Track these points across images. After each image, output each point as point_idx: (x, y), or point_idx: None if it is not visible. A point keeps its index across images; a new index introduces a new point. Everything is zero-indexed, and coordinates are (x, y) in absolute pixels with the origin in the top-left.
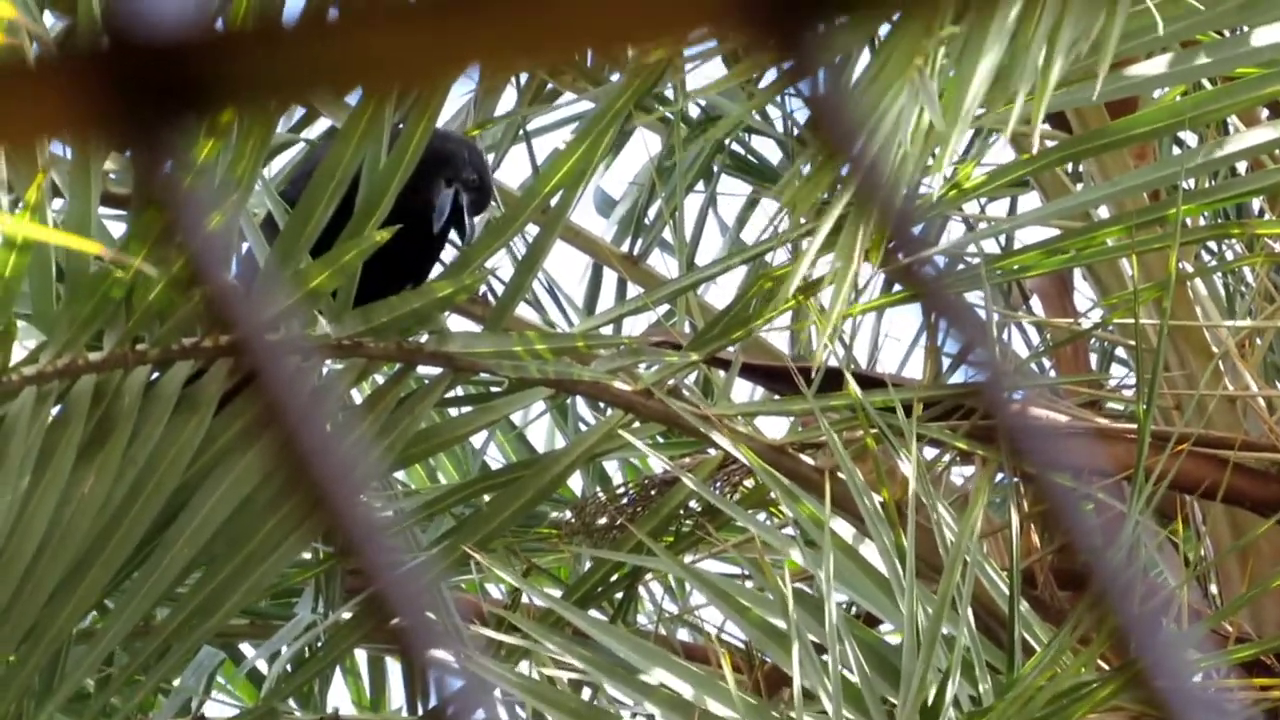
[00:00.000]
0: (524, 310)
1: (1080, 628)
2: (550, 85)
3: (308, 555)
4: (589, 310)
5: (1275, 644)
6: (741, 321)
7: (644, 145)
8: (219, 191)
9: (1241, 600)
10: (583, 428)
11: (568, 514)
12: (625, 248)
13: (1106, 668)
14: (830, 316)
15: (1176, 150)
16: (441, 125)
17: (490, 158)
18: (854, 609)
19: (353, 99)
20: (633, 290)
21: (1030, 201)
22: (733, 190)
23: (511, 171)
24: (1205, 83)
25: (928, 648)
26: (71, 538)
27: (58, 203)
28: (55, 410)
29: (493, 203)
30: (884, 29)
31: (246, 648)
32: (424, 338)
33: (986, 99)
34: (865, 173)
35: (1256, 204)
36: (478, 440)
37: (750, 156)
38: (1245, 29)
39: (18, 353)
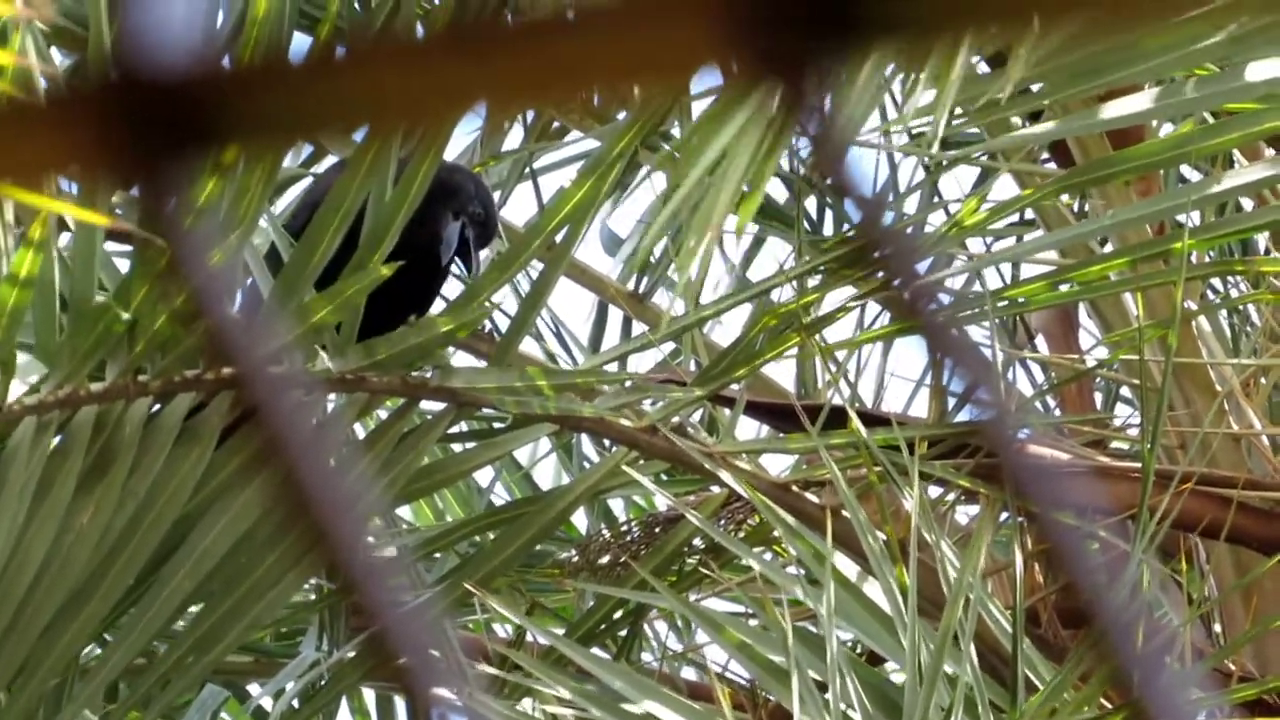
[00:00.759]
0: (530, 347)
1: (1083, 666)
2: (557, 124)
3: (313, 595)
4: (594, 348)
5: (1278, 683)
6: (746, 358)
7: (650, 184)
8: (224, 226)
9: (1244, 639)
10: (587, 466)
11: (572, 552)
12: (631, 285)
13: (1109, 706)
14: (833, 345)
15: (1180, 185)
16: (448, 159)
17: (496, 195)
18: (859, 649)
19: (359, 135)
20: (638, 328)
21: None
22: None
23: (517, 209)
24: (1207, 117)
25: (929, 685)
26: (70, 568)
27: (64, 238)
28: (56, 440)
29: (497, 238)
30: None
31: (253, 687)
32: (428, 373)
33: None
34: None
35: (1261, 241)
36: (484, 479)
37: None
38: (1246, 62)
39: (20, 385)
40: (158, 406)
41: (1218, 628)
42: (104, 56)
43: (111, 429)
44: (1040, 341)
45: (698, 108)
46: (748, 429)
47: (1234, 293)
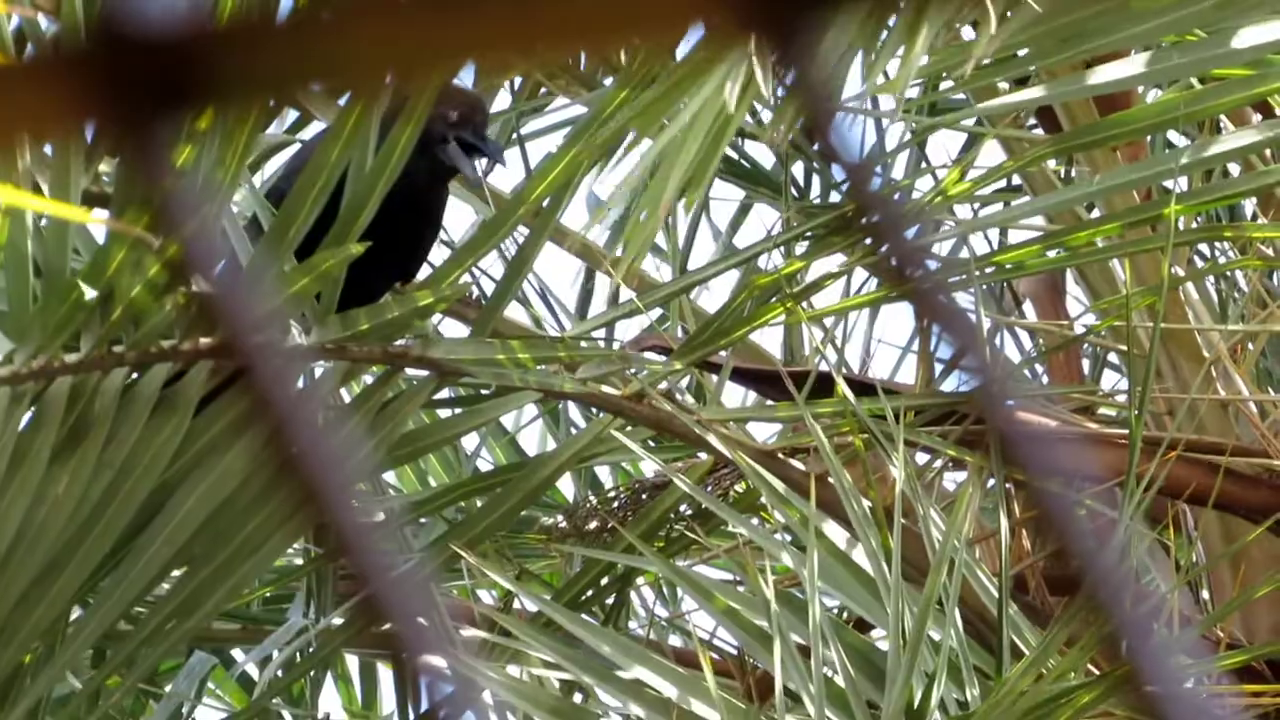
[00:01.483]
0: (517, 312)
1: (1069, 631)
2: (544, 90)
3: (299, 560)
4: (581, 314)
5: (1266, 650)
6: (733, 326)
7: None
8: (205, 191)
9: (1232, 606)
10: (574, 432)
11: (559, 518)
12: (618, 252)
13: (1096, 672)
14: (819, 310)
15: (1167, 151)
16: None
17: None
18: (845, 615)
19: (343, 97)
20: (625, 294)
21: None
22: (726, 195)
23: (504, 174)
24: (1195, 82)
25: (913, 650)
26: (44, 539)
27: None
28: (30, 412)
29: (490, 123)
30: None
31: (238, 653)
32: (410, 341)
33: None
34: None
35: (1249, 207)
36: (470, 445)
37: (743, 160)
38: (1231, 29)
39: None
40: (135, 376)
41: (1205, 595)
42: (80, 15)
43: (87, 400)
44: (1028, 307)
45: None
46: (734, 395)
47: (1221, 258)
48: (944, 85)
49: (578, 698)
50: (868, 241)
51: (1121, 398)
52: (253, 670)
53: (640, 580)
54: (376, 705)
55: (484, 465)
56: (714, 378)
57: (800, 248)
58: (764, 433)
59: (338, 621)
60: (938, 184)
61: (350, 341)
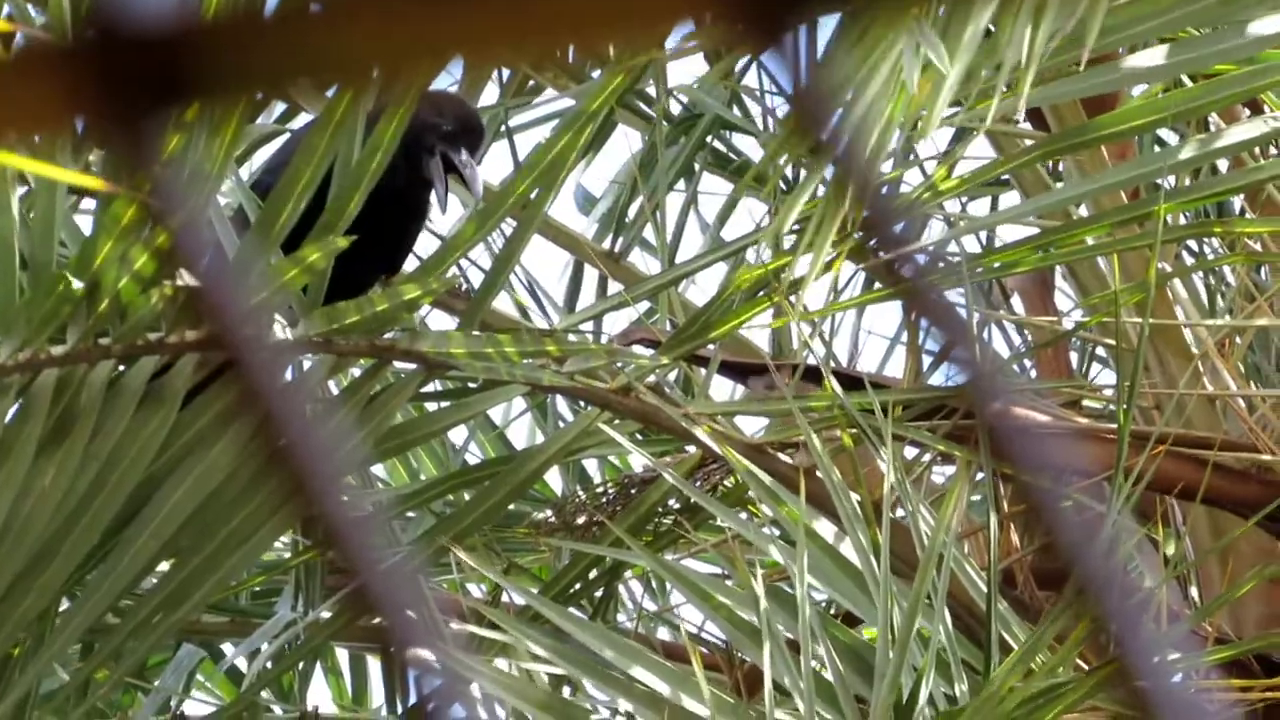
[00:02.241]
0: (505, 304)
1: (1058, 626)
2: (532, 82)
3: (288, 553)
4: (570, 308)
5: (1255, 645)
6: (720, 319)
7: (626, 142)
8: (193, 184)
9: (1221, 600)
10: (562, 426)
11: (547, 512)
12: (606, 245)
13: (1085, 668)
14: (810, 312)
15: (1157, 149)
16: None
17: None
18: (835, 611)
19: (331, 90)
20: (614, 288)
21: (1012, 202)
22: (714, 188)
23: (492, 166)
24: (1185, 80)
25: (901, 645)
26: (30, 532)
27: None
28: (17, 404)
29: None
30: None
31: (228, 647)
32: (398, 334)
33: (964, 90)
34: (845, 163)
35: (1237, 203)
36: (459, 439)
37: (732, 154)
38: (1224, 27)
39: None
40: (121, 369)
41: (1194, 589)
42: (67, 7)
43: (73, 392)
44: (1017, 302)
45: (673, 68)
46: (723, 389)
47: (1209, 255)
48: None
49: (566, 691)
50: (858, 235)
51: (1109, 392)
52: (241, 663)
53: (628, 573)
54: (366, 698)
55: (472, 459)
56: (702, 371)
57: (788, 241)
58: (753, 427)
59: (326, 615)
60: (927, 178)
61: (337, 334)
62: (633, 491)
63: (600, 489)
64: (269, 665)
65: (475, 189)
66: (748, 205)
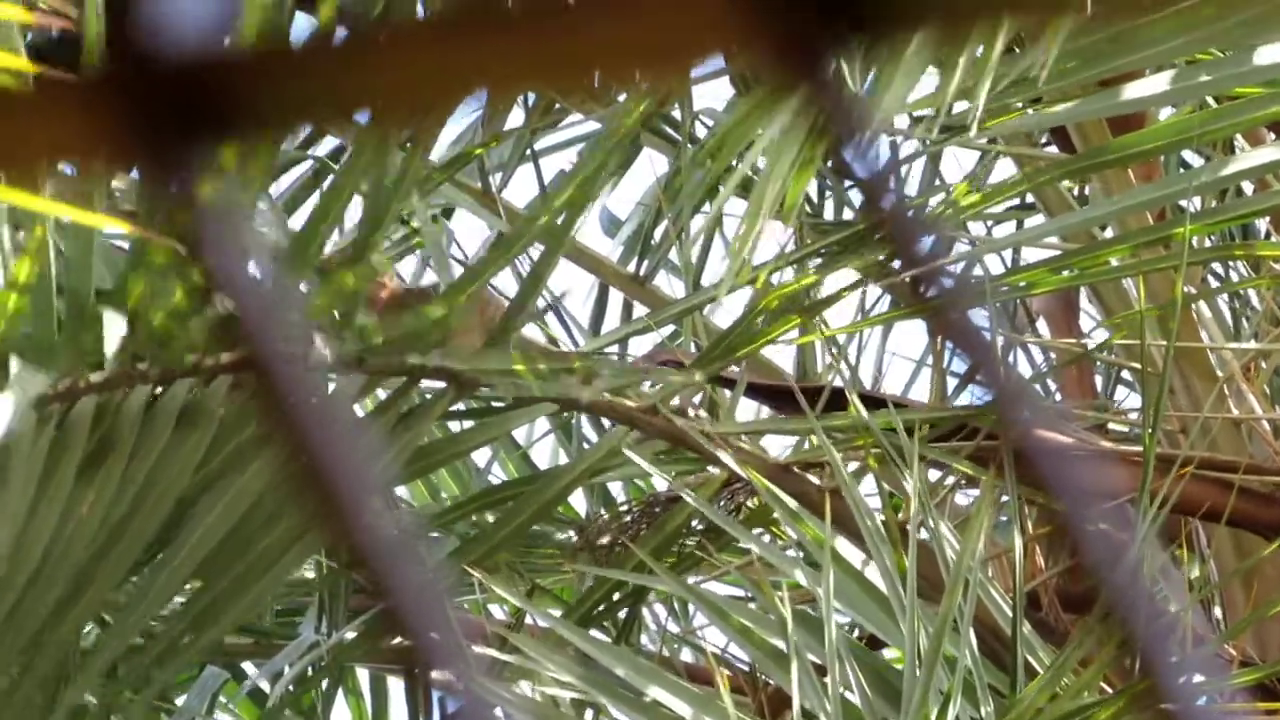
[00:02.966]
0: (530, 328)
1: (1083, 650)
2: (558, 105)
3: (311, 574)
4: (594, 331)
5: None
6: (745, 340)
7: (651, 166)
8: (229, 210)
9: (1245, 623)
10: (587, 447)
11: (571, 534)
12: (631, 268)
13: (1110, 691)
14: (834, 329)
15: (1182, 170)
16: (449, 140)
17: (497, 177)
18: (859, 634)
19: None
20: (638, 310)
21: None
22: (739, 211)
23: (518, 190)
24: (1210, 101)
25: (928, 669)
26: (70, 557)
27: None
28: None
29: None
30: None
31: (250, 667)
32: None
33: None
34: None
35: (1262, 226)
36: (482, 460)
37: (756, 177)
38: (1250, 47)
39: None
40: (159, 390)
41: (1218, 612)
42: (99, 38)
43: (111, 418)
44: (1042, 325)
45: (699, 91)
46: (748, 411)
47: (1234, 277)
48: (959, 107)
49: (589, 715)
50: (882, 258)
51: (1134, 415)
52: (264, 685)
53: (652, 595)
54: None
55: (495, 480)
56: (727, 393)
57: (813, 263)
58: (776, 448)
59: (350, 636)
60: (948, 198)
61: (368, 354)
62: (657, 510)
63: (625, 509)
64: (291, 687)
65: None
66: (774, 227)
